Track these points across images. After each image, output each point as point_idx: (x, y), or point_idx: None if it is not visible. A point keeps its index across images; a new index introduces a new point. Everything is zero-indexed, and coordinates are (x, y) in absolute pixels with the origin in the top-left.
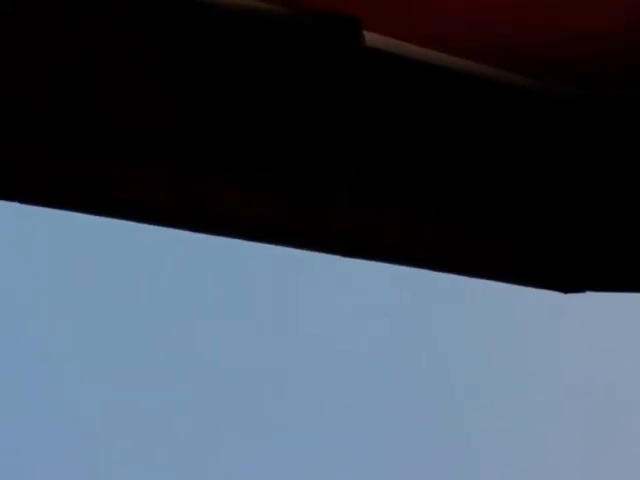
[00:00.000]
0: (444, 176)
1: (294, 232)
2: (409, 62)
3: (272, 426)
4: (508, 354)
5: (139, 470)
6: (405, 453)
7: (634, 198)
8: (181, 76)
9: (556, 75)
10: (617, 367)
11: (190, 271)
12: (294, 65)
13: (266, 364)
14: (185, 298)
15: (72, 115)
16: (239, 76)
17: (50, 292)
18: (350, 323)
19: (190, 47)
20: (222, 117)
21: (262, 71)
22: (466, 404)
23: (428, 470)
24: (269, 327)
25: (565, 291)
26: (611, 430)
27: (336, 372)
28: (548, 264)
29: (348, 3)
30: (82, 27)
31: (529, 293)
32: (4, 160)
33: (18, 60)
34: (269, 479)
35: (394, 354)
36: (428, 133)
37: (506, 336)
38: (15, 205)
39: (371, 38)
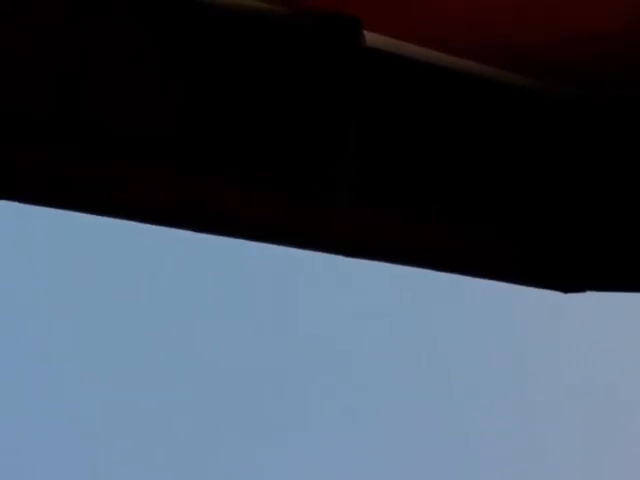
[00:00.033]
0: (444, 176)
1: (294, 232)
2: (409, 62)
3: (272, 426)
4: (508, 354)
5: (139, 470)
6: (405, 453)
7: (634, 198)
8: (181, 76)
9: (556, 75)
10: (617, 367)
11: (190, 271)
12: (294, 65)
13: (266, 364)
14: (185, 298)
15: (72, 115)
16: (239, 76)
17: (50, 292)
18: (350, 323)
19: (190, 47)
20: (222, 117)
21: (262, 71)
22: (466, 404)
23: (428, 470)
24: (269, 327)
25: (565, 291)
26: (611, 430)
27: (336, 372)
28: (548, 264)
29: (348, 3)
30: (82, 27)
31: (529, 293)
32: (4, 160)
33: (18, 60)
34: (269, 479)
35: (394, 354)
36: (428, 133)
37: (506, 336)
38: (15, 205)
39: (371, 38)
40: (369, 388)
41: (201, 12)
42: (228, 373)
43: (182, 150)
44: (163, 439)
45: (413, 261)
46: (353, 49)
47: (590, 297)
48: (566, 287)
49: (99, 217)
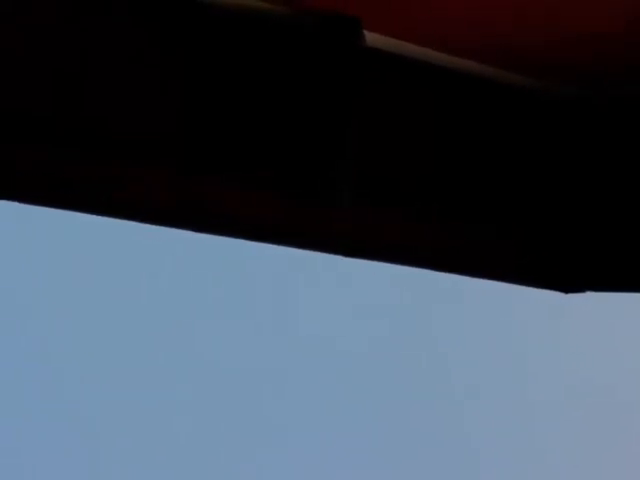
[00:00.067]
0: (444, 176)
1: (294, 232)
2: (409, 62)
3: (272, 426)
4: (508, 354)
5: (139, 470)
6: (405, 453)
7: (634, 198)
8: (181, 76)
9: (556, 75)
10: (617, 367)
11: (190, 271)
12: (294, 65)
13: (266, 364)
14: (185, 298)
15: (72, 115)
16: (239, 76)
17: (50, 292)
18: (350, 323)
19: (190, 47)
20: (222, 117)
21: (262, 71)
22: (466, 404)
23: (428, 470)
24: (269, 327)
25: (565, 291)
26: (611, 430)
27: (336, 372)
28: (548, 264)
29: (348, 3)
30: (82, 27)
31: (529, 293)
32: (4, 160)
33: (18, 60)
34: (269, 479)
35: (394, 354)
36: (428, 133)
37: (506, 336)
38: (15, 205)
39: (371, 38)
40: (369, 388)
41: (201, 12)
42: (228, 373)
43: (182, 150)
44: (163, 439)
45: (413, 261)
46: (353, 49)
47: (590, 297)
48: (566, 287)
49: (99, 217)
